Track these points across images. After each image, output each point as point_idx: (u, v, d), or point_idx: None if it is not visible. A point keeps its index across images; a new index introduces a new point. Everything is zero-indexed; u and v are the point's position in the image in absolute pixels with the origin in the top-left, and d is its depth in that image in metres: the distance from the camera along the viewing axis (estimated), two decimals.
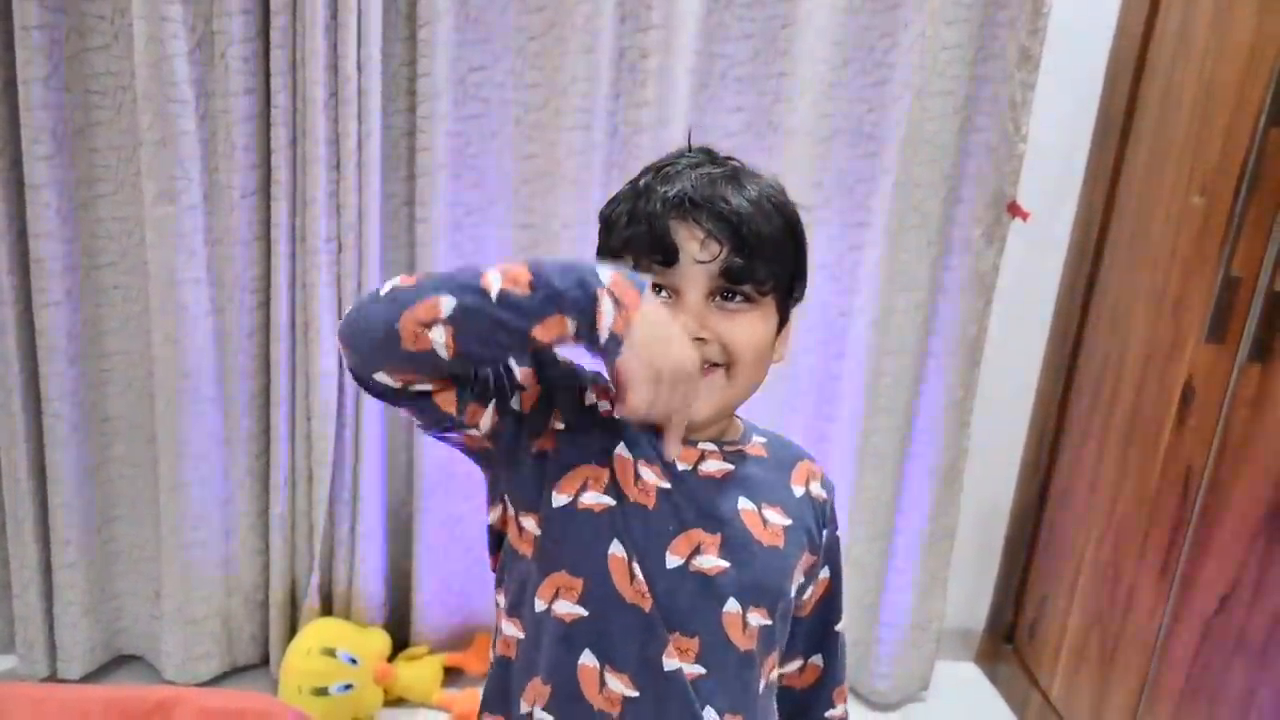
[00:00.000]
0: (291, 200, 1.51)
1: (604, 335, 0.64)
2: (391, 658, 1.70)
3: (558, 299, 0.64)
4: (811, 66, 1.51)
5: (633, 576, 0.73)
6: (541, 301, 0.64)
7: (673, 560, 0.73)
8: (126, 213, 1.52)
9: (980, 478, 1.82)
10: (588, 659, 0.73)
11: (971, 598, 1.98)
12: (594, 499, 0.73)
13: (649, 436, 0.75)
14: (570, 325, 0.65)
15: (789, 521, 0.79)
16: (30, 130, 1.41)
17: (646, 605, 0.72)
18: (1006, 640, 1.92)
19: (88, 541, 1.62)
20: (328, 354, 1.56)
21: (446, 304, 0.64)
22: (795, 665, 0.89)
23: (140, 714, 0.96)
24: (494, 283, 0.64)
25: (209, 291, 1.53)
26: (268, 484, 1.65)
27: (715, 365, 0.73)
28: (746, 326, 0.74)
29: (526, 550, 0.76)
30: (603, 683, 0.73)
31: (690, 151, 0.78)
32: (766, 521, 0.78)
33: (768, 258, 0.73)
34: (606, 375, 0.69)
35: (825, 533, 0.83)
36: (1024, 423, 1.89)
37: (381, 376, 0.69)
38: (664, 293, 0.73)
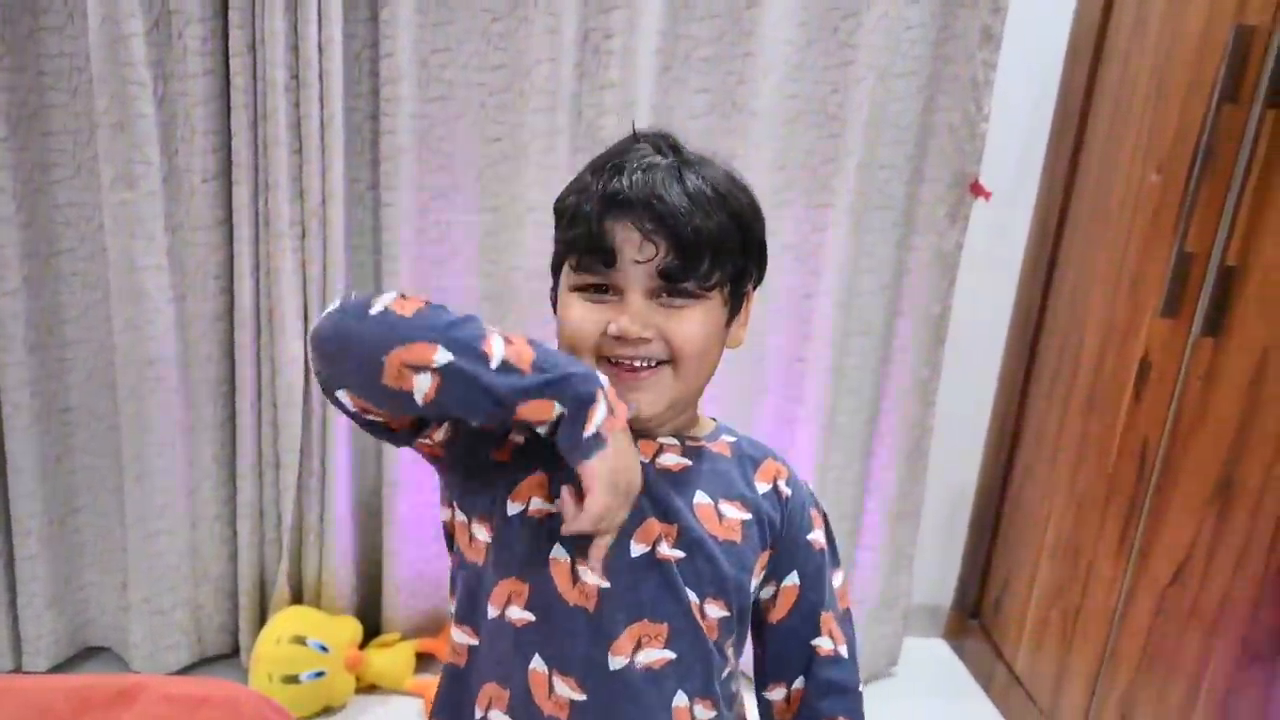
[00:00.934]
0: (254, 184, 1.50)
1: (590, 432, 0.65)
2: (363, 645, 1.70)
3: (560, 385, 0.65)
4: (776, 48, 1.51)
5: (575, 579, 0.72)
6: (540, 384, 0.65)
7: (637, 549, 0.73)
8: (84, 198, 1.49)
9: (947, 455, 1.84)
10: (538, 664, 0.73)
11: (939, 575, 2.01)
12: (538, 505, 0.73)
13: None
14: (555, 412, 0.65)
15: (747, 516, 0.78)
16: None
17: (591, 606, 0.72)
18: (973, 616, 1.95)
19: (50, 532, 1.60)
20: (293, 339, 1.55)
21: (441, 356, 0.64)
22: (779, 694, 0.82)
23: (103, 702, 0.95)
24: (496, 351, 0.65)
25: (170, 278, 1.51)
26: (234, 472, 1.63)
27: (662, 362, 0.73)
28: (690, 323, 0.72)
29: (477, 558, 0.76)
30: (551, 687, 0.73)
31: (639, 139, 0.76)
32: (723, 516, 0.77)
33: (710, 254, 0.71)
34: (573, 472, 0.67)
35: (785, 530, 0.80)
36: (989, 400, 1.91)
37: (343, 396, 0.69)
38: (608, 291, 0.72)
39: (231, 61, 1.43)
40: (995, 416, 1.91)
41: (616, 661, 0.72)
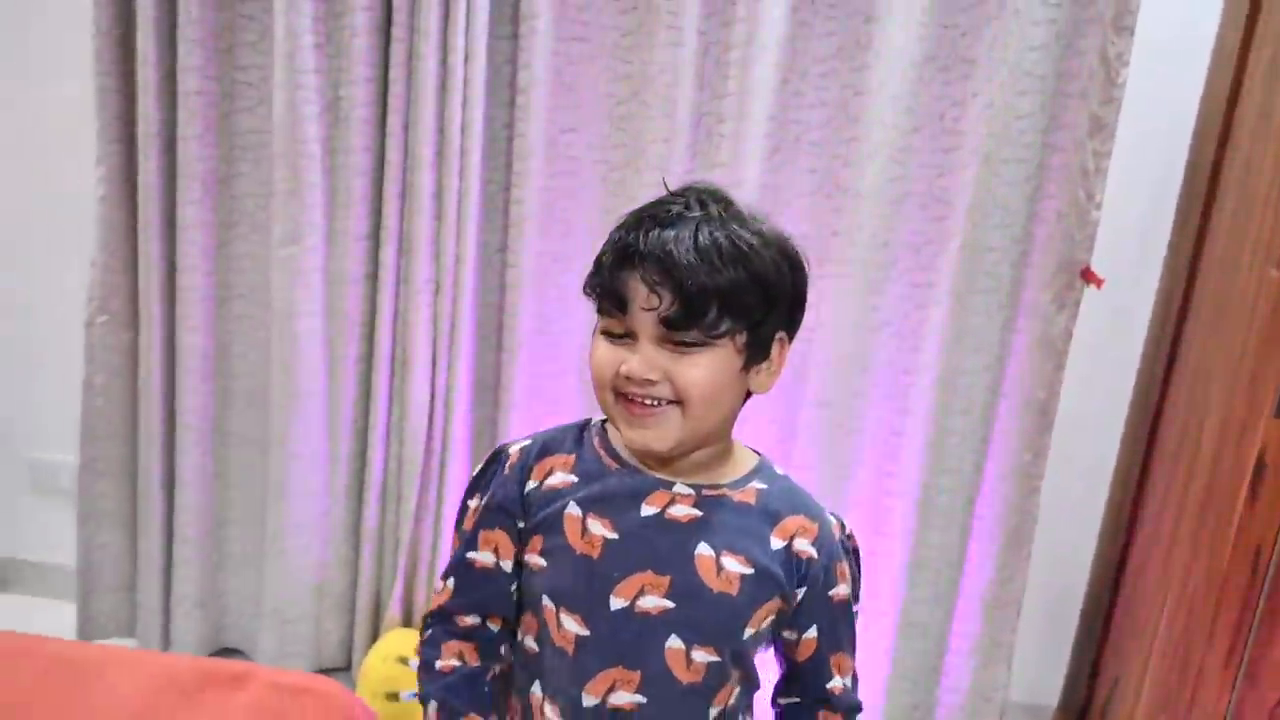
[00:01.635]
0: (398, 245, 1.69)
1: None
2: None
3: None
4: (882, 132, 1.57)
5: (559, 625, 0.83)
6: None
7: (617, 603, 0.81)
8: (257, 250, 1.73)
9: (1056, 546, 1.78)
10: (536, 689, 0.86)
11: (1044, 673, 1.92)
12: (533, 559, 0.85)
13: (603, 492, 0.83)
14: None
15: (749, 571, 0.81)
16: (185, 179, 1.64)
17: (570, 649, 0.82)
18: (1079, 719, 1.85)
19: (204, 541, 1.82)
20: (421, 385, 1.71)
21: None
22: (793, 701, 0.92)
23: (221, 680, 1.11)
24: None
25: (322, 323, 1.72)
26: (361, 499, 1.80)
27: (671, 402, 0.77)
28: (696, 368, 0.76)
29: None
30: (542, 713, 0.85)
31: (675, 195, 0.80)
32: (722, 569, 0.81)
33: (716, 306, 0.75)
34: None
35: (804, 590, 0.84)
36: (1102, 491, 1.84)
37: None
38: (626, 335, 0.78)
39: (387, 140, 1.63)
40: (1110, 508, 1.83)
41: (589, 700, 0.82)
